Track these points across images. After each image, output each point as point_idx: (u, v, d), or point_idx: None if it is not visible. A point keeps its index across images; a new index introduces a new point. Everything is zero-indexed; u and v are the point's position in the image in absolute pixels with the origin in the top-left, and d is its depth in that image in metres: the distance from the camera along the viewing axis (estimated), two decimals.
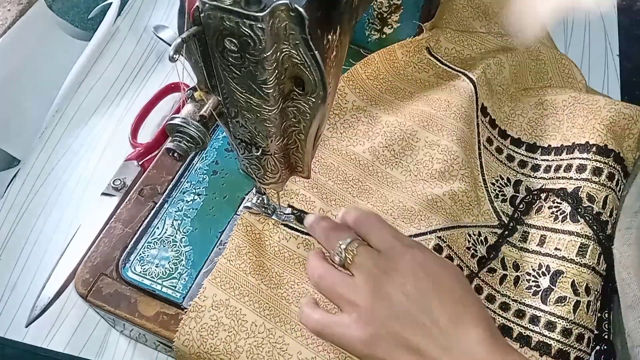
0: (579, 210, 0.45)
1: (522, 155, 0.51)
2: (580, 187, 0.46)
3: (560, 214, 0.46)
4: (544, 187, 0.48)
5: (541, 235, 0.46)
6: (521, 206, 0.48)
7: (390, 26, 0.56)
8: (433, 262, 0.39)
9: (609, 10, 0.70)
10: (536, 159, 0.50)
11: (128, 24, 0.69)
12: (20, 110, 0.61)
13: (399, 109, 0.52)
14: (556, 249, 0.45)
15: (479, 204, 0.48)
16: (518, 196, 0.49)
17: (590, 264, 0.43)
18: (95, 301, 0.43)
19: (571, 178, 0.47)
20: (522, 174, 0.50)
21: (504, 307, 0.44)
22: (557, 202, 0.46)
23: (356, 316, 0.37)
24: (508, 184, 0.49)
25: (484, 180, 0.49)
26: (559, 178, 0.48)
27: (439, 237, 0.44)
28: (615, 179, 0.46)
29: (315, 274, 0.40)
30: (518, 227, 0.47)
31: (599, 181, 0.46)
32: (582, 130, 0.49)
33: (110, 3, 0.66)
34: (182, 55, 0.29)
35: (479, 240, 0.46)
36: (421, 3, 0.54)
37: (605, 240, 0.44)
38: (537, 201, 0.48)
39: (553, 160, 0.49)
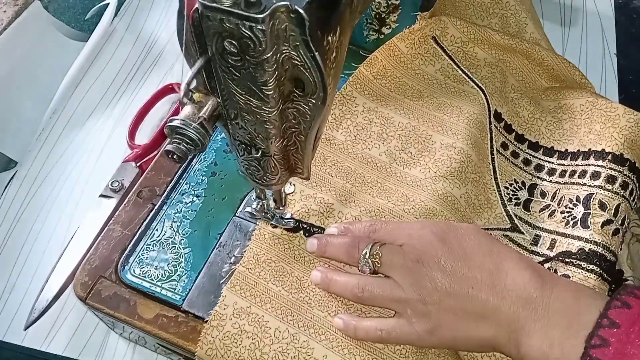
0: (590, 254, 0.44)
1: (539, 158, 0.51)
2: (593, 193, 0.46)
3: (572, 219, 0.46)
4: (557, 191, 0.48)
5: (552, 240, 0.46)
6: (532, 208, 0.48)
7: (388, 26, 0.56)
8: (451, 230, 0.40)
9: (606, 8, 0.70)
10: (552, 162, 0.50)
11: (125, 25, 0.69)
12: (17, 112, 0.61)
13: (410, 109, 0.52)
14: (564, 253, 0.45)
15: (491, 207, 0.48)
16: (532, 199, 0.49)
17: (598, 270, 0.43)
18: (94, 304, 0.43)
19: (585, 184, 0.47)
20: (538, 177, 0.50)
21: None
22: (569, 207, 0.46)
23: (411, 312, 0.38)
24: (523, 187, 0.49)
25: (497, 184, 0.49)
26: (572, 183, 0.48)
27: None
28: (629, 188, 0.46)
29: (353, 289, 0.40)
30: (531, 230, 0.47)
31: (612, 189, 0.46)
32: (599, 136, 0.49)
33: (107, 4, 0.66)
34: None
35: None
36: (419, 3, 0.54)
37: (615, 249, 0.45)
38: (551, 205, 0.48)
39: (569, 165, 0.49)
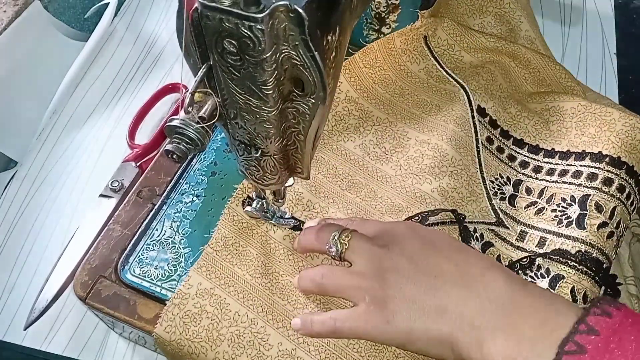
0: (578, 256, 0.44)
1: (524, 155, 0.51)
2: (590, 195, 0.46)
3: (566, 218, 0.46)
4: (545, 189, 0.48)
5: (541, 237, 0.46)
6: (518, 204, 0.48)
7: (388, 26, 0.56)
8: (423, 228, 0.40)
9: (606, 8, 0.70)
10: (538, 160, 0.50)
11: (125, 25, 0.69)
12: (16, 112, 0.61)
13: (390, 105, 0.52)
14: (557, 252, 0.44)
15: (476, 200, 0.48)
16: (517, 195, 0.49)
17: (591, 272, 0.43)
18: (94, 303, 0.43)
19: (580, 185, 0.47)
20: (523, 174, 0.50)
21: None
22: (563, 207, 0.46)
23: (369, 299, 0.37)
24: (508, 182, 0.49)
25: (483, 177, 0.49)
26: (565, 183, 0.48)
27: None
28: (626, 192, 0.46)
29: (316, 276, 0.40)
30: (517, 226, 0.47)
31: (609, 192, 0.46)
32: (594, 139, 0.48)
33: (107, 3, 0.66)
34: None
35: (475, 236, 0.46)
36: (419, 3, 0.54)
37: (606, 251, 0.44)
38: (538, 203, 0.48)
39: (558, 164, 0.49)
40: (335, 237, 0.40)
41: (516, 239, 0.46)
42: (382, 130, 0.50)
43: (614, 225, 0.45)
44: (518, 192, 0.49)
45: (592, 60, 0.65)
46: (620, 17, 0.70)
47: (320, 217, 0.45)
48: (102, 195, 0.52)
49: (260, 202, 0.43)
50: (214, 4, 0.26)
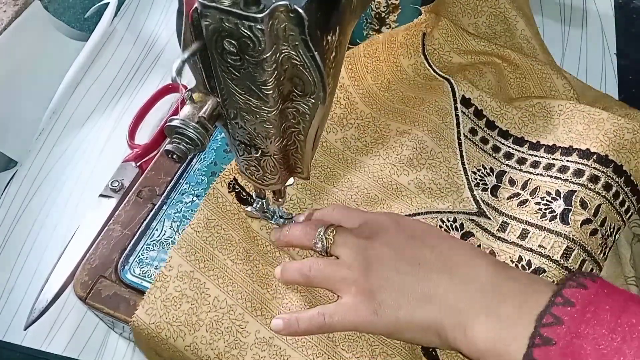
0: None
1: (508, 146, 0.51)
2: (575, 191, 0.46)
3: (550, 212, 0.46)
4: (529, 181, 0.48)
5: (523, 229, 0.46)
6: (500, 195, 0.48)
7: (388, 26, 0.56)
8: (406, 219, 0.41)
9: (606, 8, 0.70)
10: (522, 152, 0.50)
11: (125, 25, 0.69)
12: (17, 112, 0.61)
13: (375, 99, 0.52)
14: (540, 246, 0.44)
15: (457, 191, 0.47)
16: (500, 186, 0.48)
17: (572, 268, 0.43)
18: (94, 304, 0.43)
19: (567, 180, 0.47)
20: (507, 165, 0.50)
21: None
22: (548, 200, 0.46)
23: (355, 290, 0.37)
24: (491, 173, 0.49)
25: (465, 168, 0.49)
26: (550, 177, 0.47)
27: None
28: (613, 190, 0.46)
29: (303, 268, 0.40)
30: (498, 217, 0.47)
31: (595, 189, 0.46)
32: (582, 136, 0.48)
33: (107, 3, 0.66)
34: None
35: (454, 226, 0.46)
36: (419, 3, 0.54)
37: (589, 248, 0.44)
38: (522, 194, 0.47)
39: (543, 157, 0.49)
40: (321, 233, 0.40)
41: (497, 230, 0.46)
42: (364, 125, 0.50)
43: (599, 223, 0.45)
44: (501, 183, 0.48)
45: (592, 60, 0.65)
46: (620, 17, 0.70)
47: (298, 209, 0.46)
48: (102, 195, 0.52)
49: (260, 202, 0.43)
50: (214, 4, 0.26)
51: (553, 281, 0.42)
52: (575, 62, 0.65)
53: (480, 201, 0.47)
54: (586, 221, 0.45)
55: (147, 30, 0.68)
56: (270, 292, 0.42)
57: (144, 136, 0.58)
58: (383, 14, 0.55)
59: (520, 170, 0.49)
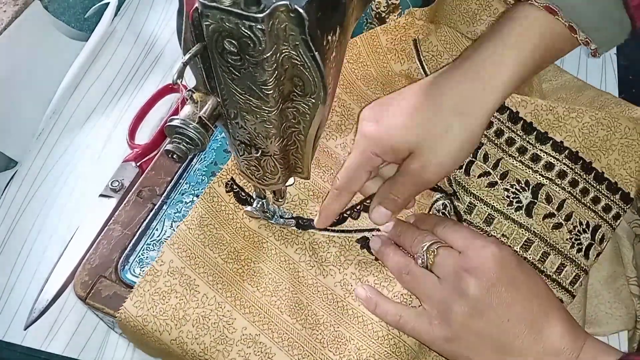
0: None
1: (502, 124, 0.49)
2: (543, 185, 0.46)
3: (517, 202, 0.46)
4: (500, 161, 0.47)
5: (489, 214, 0.46)
6: (473, 172, 0.47)
7: None
8: (511, 259, 0.39)
9: None
10: (502, 121, 0.49)
11: (125, 25, 0.69)
12: (17, 112, 0.61)
13: (370, 102, 0.52)
14: (503, 235, 0.45)
15: None
16: (474, 162, 0.47)
17: (531, 259, 0.44)
18: (94, 303, 0.43)
19: (537, 172, 0.47)
20: (485, 136, 0.48)
21: None
22: (517, 189, 0.46)
23: (437, 313, 0.38)
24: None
25: None
26: (522, 163, 0.47)
27: None
28: (580, 187, 0.46)
29: (401, 267, 0.41)
30: (466, 197, 0.47)
31: (561, 184, 0.46)
32: (560, 123, 0.48)
33: (107, 3, 0.66)
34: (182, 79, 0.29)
35: (444, 213, 0.46)
36: (419, 3, 0.54)
37: (552, 241, 0.45)
38: (492, 175, 0.47)
39: (519, 135, 0.48)
40: (423, 250, 0.41)
41: (464, 211, 0.46)
42: None
43: (562, 217, 0.45)
44: (475, 158, 0.48)
45: (592, 60, 0.65)
46: None
47: (299, 209, 0.46)
48: (102, 195, 0.52)
49: (260, 202, 0.43)
50: (214, 4, 0.26)
51: None
52: (575, 61, 0.65)
53: (452, 180, 0.47)
54: (549, 215, 0.45)
55: (147, 30, 0.68)
56: (260, 291, 0.42)
57: (144, 136, 0.58)
58: (383, 14, 0.55)
59: (496, 144, 0.48)
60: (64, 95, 0.62)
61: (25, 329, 0.47)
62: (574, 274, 0.45)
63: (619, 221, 0.48)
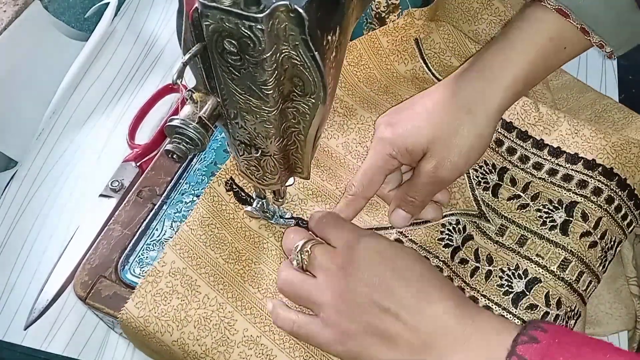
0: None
1: (512, 140, 0.49)
2: (578, 202, 0.45)
3: (550, 221, 0.45)
4: (530, 184, 0.47)
5: (521, 236, 0.45)
6: (501, 195, 0.47)
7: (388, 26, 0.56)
8: (388, 247, 0.39)
9: None
10: (526, 149, 0.49)
11: (125, 25, 0.69)
12: (16, 112, 0.61)
13: (374, 103, 0.52)
14: (538, 255, 0.44)
15: (459, 189, 0.47)
16: (501, 185, 0.48)
17: (568, 279, 0.43)
18: (94, 303, 0.43)
19: (570, 190, 0.46)
20: (510, 161, 0.49)
21: (473, 301, 0.43)
22: (549, 209, 0.46)
23: (323, 316, 0.38)
24: (493, 170, 0.48)
25: None
26: (553, 184, 0.47)
27: (400, 232, 0.45)
28: (615, 204, 0.46)
29: (279, 279, 0.41)
30: (497, 219, 0.46)
31: (597, 201, 0.45)
32: (588, 144, 0.47)
33: (107, 3, 0.66)
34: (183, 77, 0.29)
35: (457, 229, 0.45)
36: (419, 4, 0.54)
37: (590, 262, 0.44)
38: (522, 197, 0.47)
39: (546, 159, 0.48)
40: (297, 250, 0.40)
41: (495, 233, 0.46)
42: (365, 129, 0.50)
43: (598, 236, 0.45)
44: (502, 182, 0.48)
45: (592, 60, 0.65)
46: None
47: (299, 209, 0.46)
48: (102, 195, 0.52)
49: (260, 202, 0.43)
50: (214, 4, 0.26)
51: (547, 292, 0.42)
52: (575, 62, 0.65)
53: (480, 201, 0.47)
54: (586, 233, 0.44)
55: (147, 30, 0.68)
56: (261, 292, 0.42)
57: (144, 136, 0.58)
58: (383, 14, 0.55)
59: (523, 169, 0.48)
60: (64, 95, 0.62)
61: (25, 329, 0.47)
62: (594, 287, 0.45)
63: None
